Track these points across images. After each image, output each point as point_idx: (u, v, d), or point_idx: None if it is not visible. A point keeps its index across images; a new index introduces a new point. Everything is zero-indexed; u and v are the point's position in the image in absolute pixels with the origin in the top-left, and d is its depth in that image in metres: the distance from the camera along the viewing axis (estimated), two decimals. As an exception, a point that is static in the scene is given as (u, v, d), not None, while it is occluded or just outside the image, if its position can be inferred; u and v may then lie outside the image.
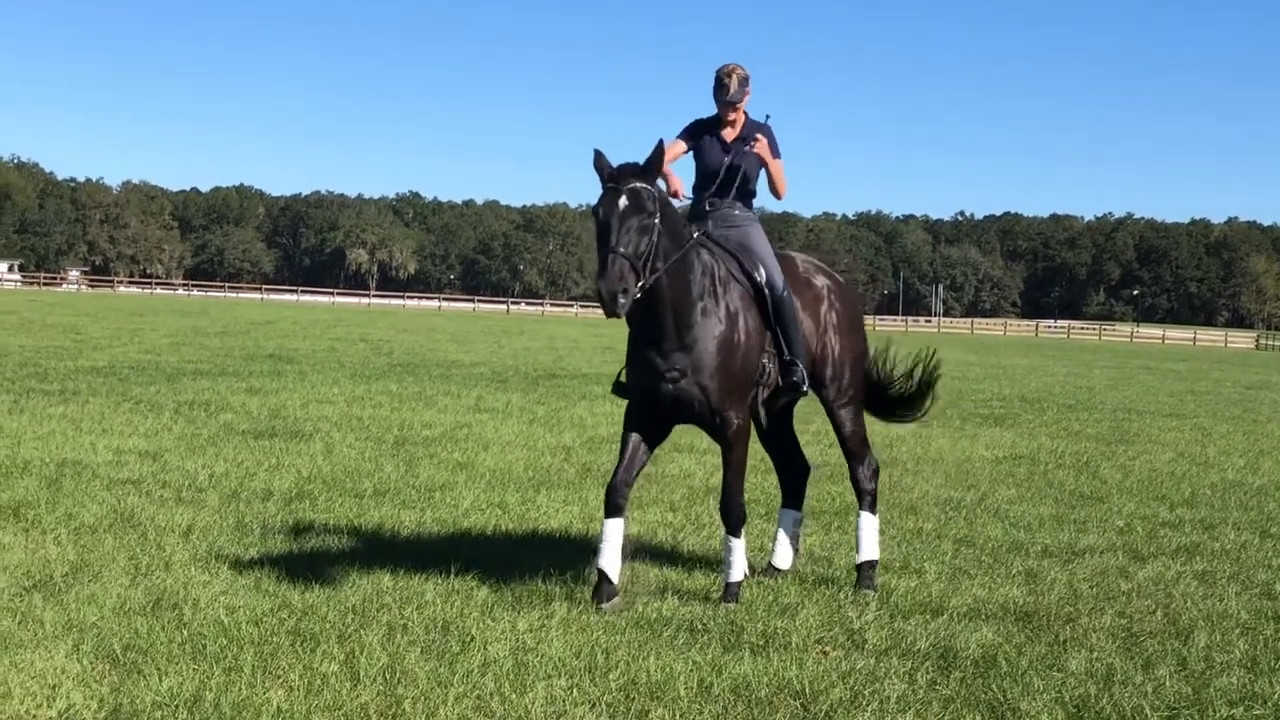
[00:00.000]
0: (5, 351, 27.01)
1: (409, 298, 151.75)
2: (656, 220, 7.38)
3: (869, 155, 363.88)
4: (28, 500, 10.04)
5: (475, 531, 9.69)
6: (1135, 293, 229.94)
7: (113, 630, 6.56)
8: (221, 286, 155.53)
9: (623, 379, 8.51)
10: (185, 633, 6.58)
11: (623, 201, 7.30)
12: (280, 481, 11.42)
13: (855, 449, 8.83)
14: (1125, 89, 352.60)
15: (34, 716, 5.37)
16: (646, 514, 10.62)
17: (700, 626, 7.14)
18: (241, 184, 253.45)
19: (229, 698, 5.63)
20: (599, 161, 7.58)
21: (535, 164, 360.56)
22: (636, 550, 9.19)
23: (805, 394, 8.49)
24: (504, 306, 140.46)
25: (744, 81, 8.26)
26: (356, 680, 5.95)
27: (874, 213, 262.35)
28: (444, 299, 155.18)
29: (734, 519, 7.97)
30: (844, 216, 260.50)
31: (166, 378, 22.20)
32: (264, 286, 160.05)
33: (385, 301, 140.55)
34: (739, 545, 7.93)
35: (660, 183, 7.80)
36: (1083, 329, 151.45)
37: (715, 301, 7.76)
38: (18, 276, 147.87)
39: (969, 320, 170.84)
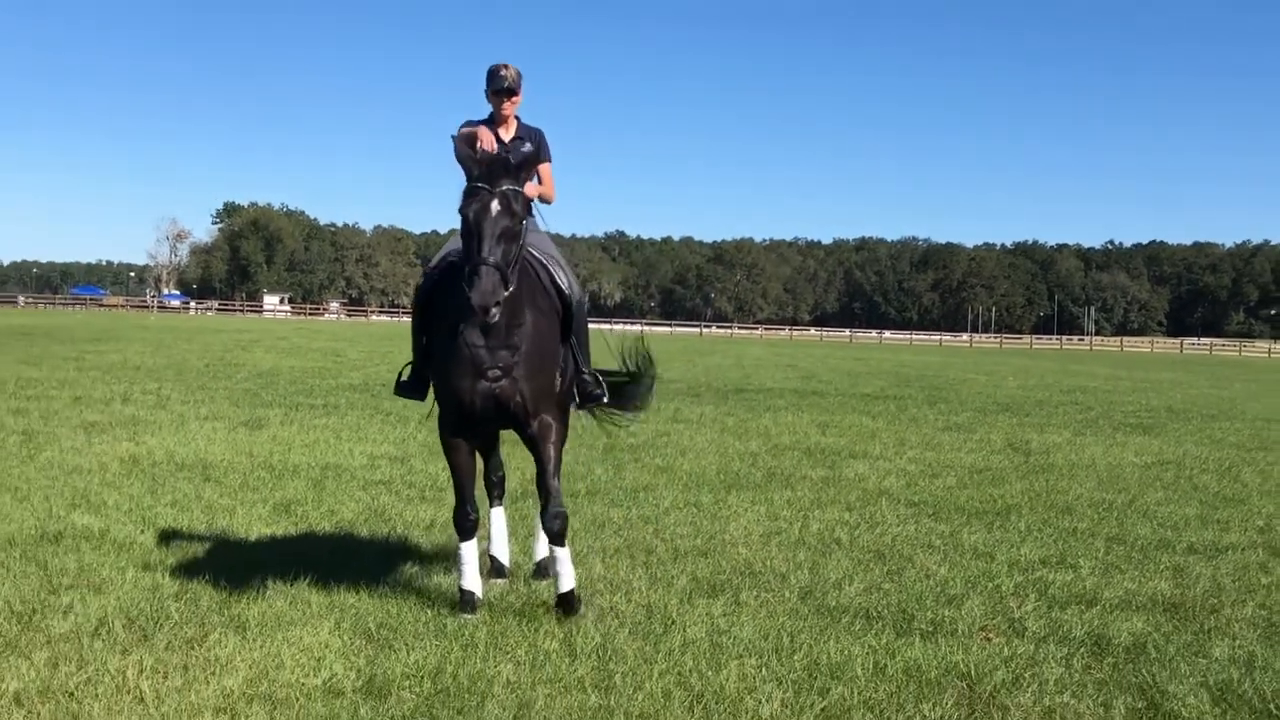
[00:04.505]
0: (278, 372, 27.95)
1: (615, 322, 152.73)
2: (523, 225, 6.52)
3: (1026, 189, 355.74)
4: (297, 498, 10.37)
5: (674, 527, 9.71)
6: (1273, 312, 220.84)
7: (368, 610, 6.73)
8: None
9: (405, 377, 7.48)
10: (429, 613, 6.72)
11: (495, 206, 6.34)
12: (508, 482, 11.55)
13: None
14: (1266, 124, 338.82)
15: (302, 684, 5.51)
16: (825, 514, 10.52)
17: (875, 614, 7.04)
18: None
19: (466, 670, 5.73)
20: (463, 151, 6.60)
21: (724, 203, 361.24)
22: (818, 545, 9.12)
23: (604, 403, 7.83)
24: (697, 330, 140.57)
25: (519, 77, 7.40)
26: (574, 656, 6.01)
27: (1030, 242, 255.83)
28: (646, 324, 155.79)
29: (560, 524, 6.87)
30: (1002, 246, 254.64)
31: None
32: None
33: (595, 325, 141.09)
34: (565, 553, 6.90)
35: (530, 183, 6.95)
36: (1224, 346, 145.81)
37: (534, 302, 6.84)
38: (288, 308, 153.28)
39: (1119, 339, 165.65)
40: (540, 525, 7.26)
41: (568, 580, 6.89)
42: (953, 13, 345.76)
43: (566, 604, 6.85)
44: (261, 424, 16.07)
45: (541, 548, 7.80)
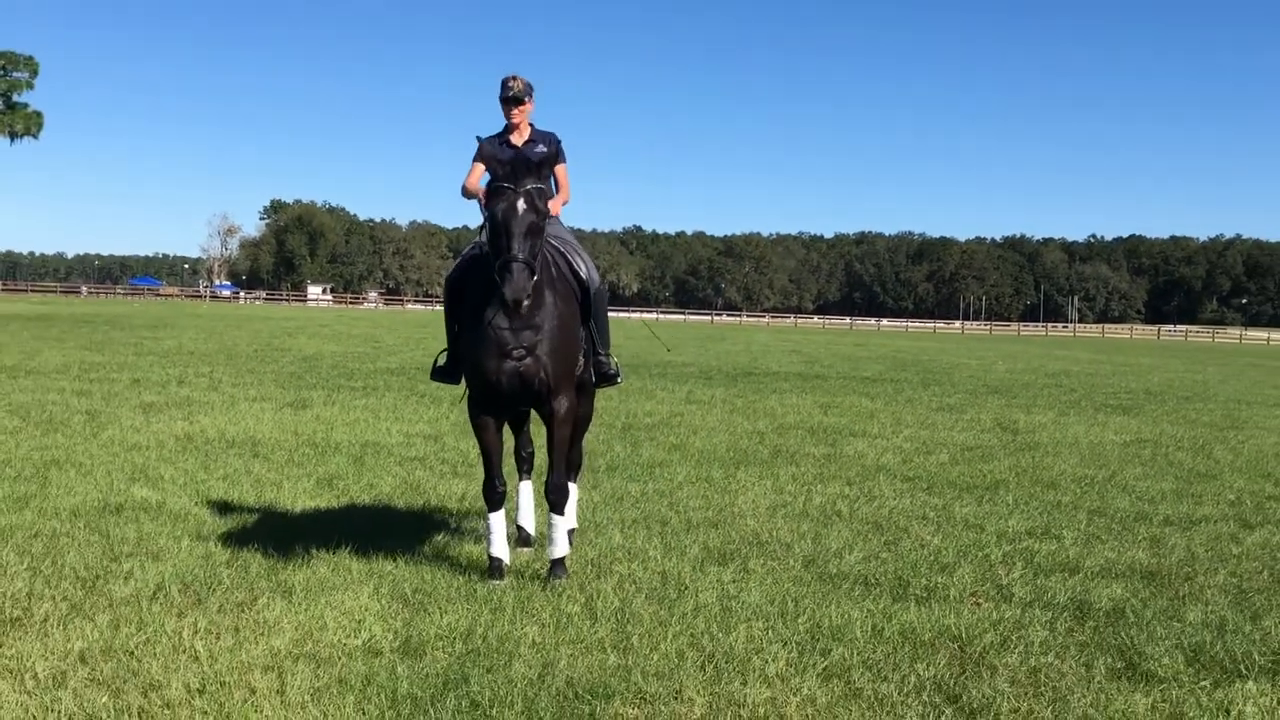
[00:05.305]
0: (321, 356, 28.00)
1: (633, 311, 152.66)
2: (546, 220, 6.57)
3: (1015, 186, 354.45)
4: (338, 473, 10.40)
5: (687, 500, 9.71)
6: (1244, 302, 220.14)
7: (405, 576, 6.74)
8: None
9: (441, 362, 7.45)
10: (460, 579, 6.73)
11: (521, 205, 6.36)
12: (535, 458, 11.58)
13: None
14: (1239, 125, 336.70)
15: (344, 644, 5.53)
16: (827, 488, 10.50)
17: (873, 581, 7.03)
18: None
19: (495, 631, 5.74)
20: (488, 152, 6.74)
21: (733, 200, 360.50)
22: (820, 517, 9.11)
23: (619, 384, 7.82)
24: (709, 318, 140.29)
25: (528, 86, 7.36)
26: (595, 619, 6.01)
27: (1018, 236, 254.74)
28: (660, 312, 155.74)
29: (560, 496, 6.99)
30: (992, 240, 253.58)
31: (444, 376, 22.68)
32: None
33: (613, 314, 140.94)
34: (562, 522, 6.98)
35: (554, 199, 7.03)
36: (1198, 333, 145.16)
37: (554, 286, 6.81)
38: (330, 298, 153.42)
39: (1100, 326, 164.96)
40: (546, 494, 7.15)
41: (560, 547, 6.93)
42: (944, 26, 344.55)
43: (556, 569, 6.89)
44: (306, 404, 16.11)
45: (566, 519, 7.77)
